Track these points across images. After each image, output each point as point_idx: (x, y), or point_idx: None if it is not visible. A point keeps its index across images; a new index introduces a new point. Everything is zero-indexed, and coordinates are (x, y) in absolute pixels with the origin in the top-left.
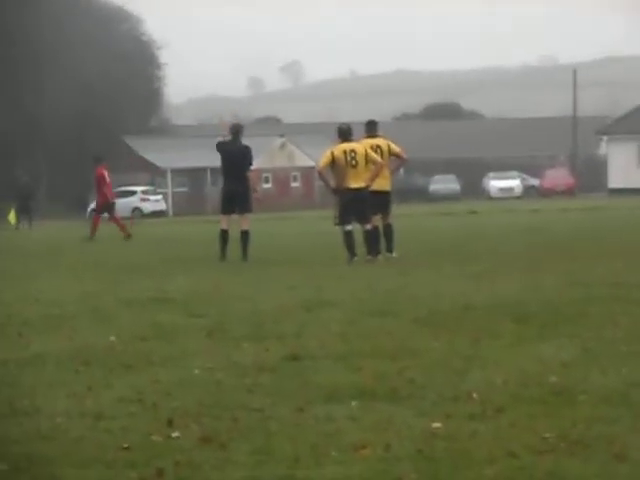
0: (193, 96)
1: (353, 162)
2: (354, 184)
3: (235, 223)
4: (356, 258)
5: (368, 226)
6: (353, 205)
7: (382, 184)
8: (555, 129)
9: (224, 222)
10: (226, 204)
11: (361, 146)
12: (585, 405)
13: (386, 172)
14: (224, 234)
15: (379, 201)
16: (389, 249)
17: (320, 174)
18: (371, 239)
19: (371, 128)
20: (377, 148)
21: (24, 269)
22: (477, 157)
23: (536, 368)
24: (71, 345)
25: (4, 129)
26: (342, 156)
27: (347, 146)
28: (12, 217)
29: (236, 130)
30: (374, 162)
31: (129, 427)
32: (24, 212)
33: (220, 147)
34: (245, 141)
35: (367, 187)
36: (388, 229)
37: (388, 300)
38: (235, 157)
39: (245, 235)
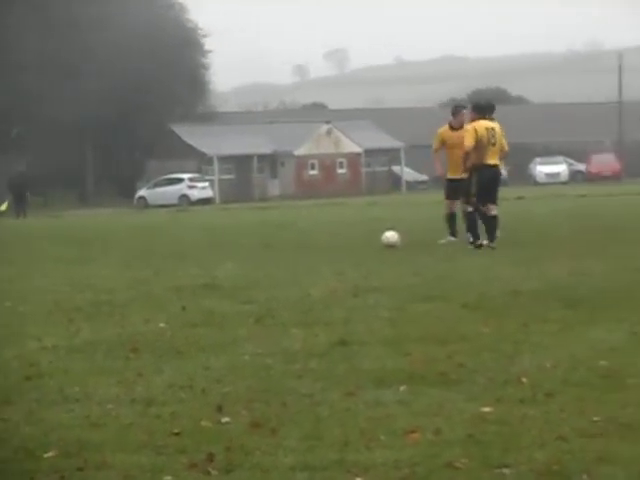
0: (238, 84)
1: (493, 140)
2: (492, 162)
3: None
4: (479, 241)
5: (470, 208)
6: (490, 185)
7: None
8: (601, 114)
9: None
10: None
11: (497, 125)
12: (634, 388)
13: None
14: None
15: None
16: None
17: (468, 154)
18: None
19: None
20: None
21: (74, 255)
22: (523, 142)
23: (585, 352)
24: (121, 332)
25: (51, 114)
26: (485, 133)
27: (487, 124)
28: (4, 206)
29: None
30: (503, 145)
31: (179, 413)
32: (18, 202)
33: None
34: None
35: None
36: None
37: (436, 285)
38: None
39: None
